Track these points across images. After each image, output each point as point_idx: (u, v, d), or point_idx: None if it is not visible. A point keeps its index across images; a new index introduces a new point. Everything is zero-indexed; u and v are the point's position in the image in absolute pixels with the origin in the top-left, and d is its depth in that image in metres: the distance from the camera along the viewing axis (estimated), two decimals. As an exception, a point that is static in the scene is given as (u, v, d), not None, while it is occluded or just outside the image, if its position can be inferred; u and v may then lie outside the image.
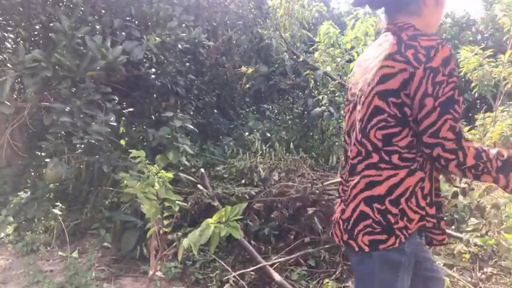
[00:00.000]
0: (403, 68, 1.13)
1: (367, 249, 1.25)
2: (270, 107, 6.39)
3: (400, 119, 1.17)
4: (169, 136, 3.52)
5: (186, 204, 2.84)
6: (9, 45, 3.46)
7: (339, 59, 5.08)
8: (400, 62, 1.14)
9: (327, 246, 3.09)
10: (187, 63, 4.53)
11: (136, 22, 3.53)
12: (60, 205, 3.62)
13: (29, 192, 3.53)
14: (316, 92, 5.19)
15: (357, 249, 1.27)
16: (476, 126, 4.30)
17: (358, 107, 1.28)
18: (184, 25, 3.65)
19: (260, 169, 3.94)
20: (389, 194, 1.22)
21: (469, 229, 3.07)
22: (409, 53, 1.14)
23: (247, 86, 5.47)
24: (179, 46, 3.72)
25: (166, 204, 2.09)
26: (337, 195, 1.43)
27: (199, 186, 3.59)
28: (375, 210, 1.23)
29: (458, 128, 1.13)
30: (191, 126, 3.74)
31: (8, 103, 2.82)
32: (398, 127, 1.18)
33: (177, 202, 2.10)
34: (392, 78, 1.15)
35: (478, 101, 7.33)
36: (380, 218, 1.23)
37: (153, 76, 3.83)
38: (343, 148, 1.46)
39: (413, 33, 1.19)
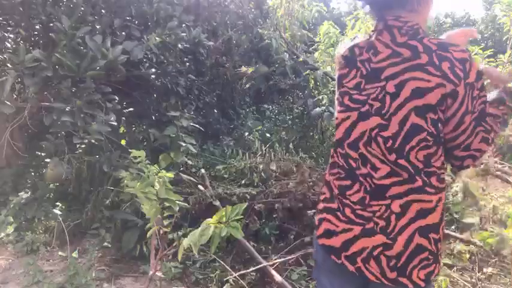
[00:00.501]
0: (440, 82, 1.07)
1: (423, 284, 1.13)
2: (270, 107, 6.39)
3: (437, 137, 1.11)
4: (174, 135, 3.51)
5: (186, 204, 2.84)
6: (9, 45, 3.45)
7: (339, 59, 5.07)
8: (437, 76, 1.07)
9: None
10: (188, 63, 4.52)
11: (137, 22, 3.53)
12: (60, 205, 3.62)
13: (29, 192, 3.52)
14: (316, 92, 5.19)
15: (411, 286, 1.13)
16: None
17: (378, 120, 1.14)
18: (184, 25, 3.65)
19: (260, 169, 3.94)
20: (441, 221, 1.15)
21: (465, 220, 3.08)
22: (445, 66, 1.07)
23: (247, 86, 5.47)
24: (179, 46, 3.72)
25: (167, 204, 2.09)
26: (343, 218, 1.21)
27: (200, 186, 3.59)
28: (431, 241, 1.13)
29: (491, 139, 1.14)
30: (197, 126, 3.74)
31: (8, 103, 2.82)
32: (434, 146, 1.11)
33: (177, 202, 2.10)
34: (430, 93, 1.07)
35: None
36: (435, 248, 1.14)
37: (153, 76, 3.82)
38: (340, 161, 1.25)
39: (440, 41, 1.12)
